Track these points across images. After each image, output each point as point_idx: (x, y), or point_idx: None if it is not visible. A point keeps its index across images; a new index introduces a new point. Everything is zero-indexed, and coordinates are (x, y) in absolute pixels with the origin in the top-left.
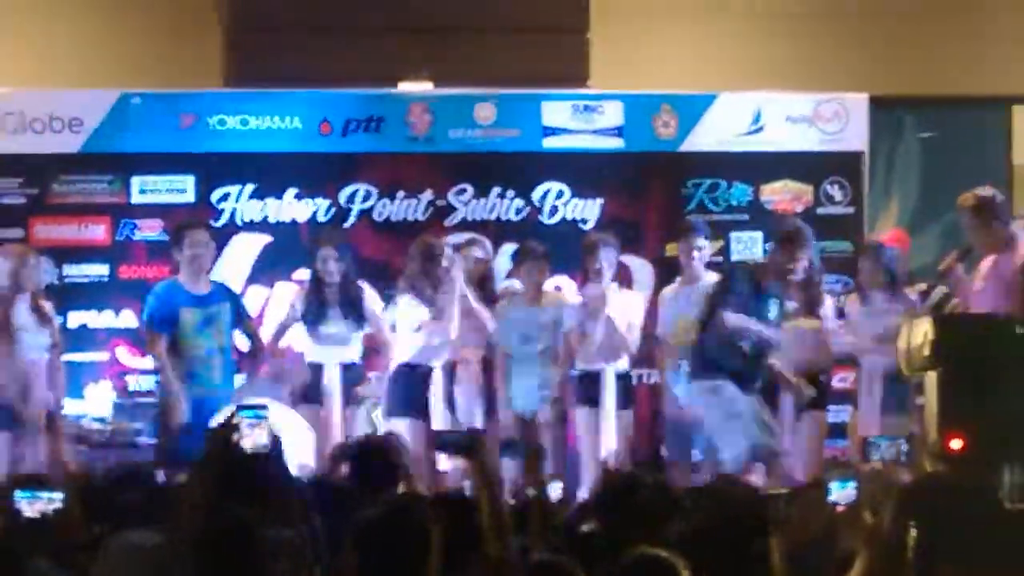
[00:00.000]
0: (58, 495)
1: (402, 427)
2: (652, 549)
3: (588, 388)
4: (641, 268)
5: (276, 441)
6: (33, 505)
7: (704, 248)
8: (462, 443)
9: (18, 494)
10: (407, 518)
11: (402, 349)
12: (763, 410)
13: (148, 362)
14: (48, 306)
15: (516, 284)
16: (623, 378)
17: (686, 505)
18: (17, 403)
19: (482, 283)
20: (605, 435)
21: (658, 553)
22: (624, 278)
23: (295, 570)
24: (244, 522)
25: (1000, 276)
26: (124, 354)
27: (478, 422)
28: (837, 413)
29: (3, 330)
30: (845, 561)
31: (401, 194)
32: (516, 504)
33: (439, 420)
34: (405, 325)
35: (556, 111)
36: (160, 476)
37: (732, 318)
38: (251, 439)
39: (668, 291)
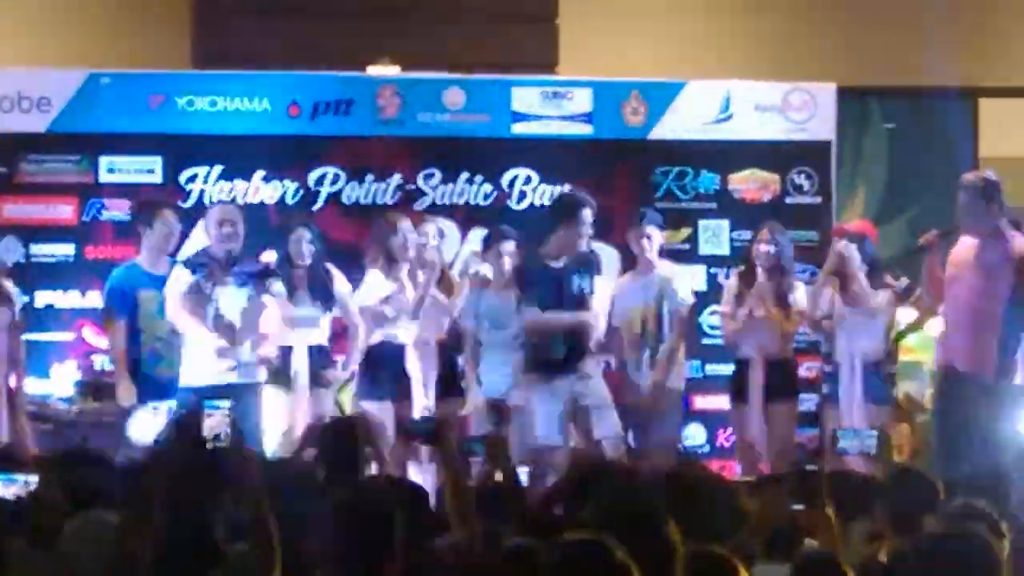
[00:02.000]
0: (34, 477)
1: (373, 409)
2: (593, 533)
3: None
4: (609, 255)
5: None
6: (9, 487)
7: (654, 237)
8: (427, 429)
9: None
10: (370, 502)
11: (369, 328)
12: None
13: None
14: (9, 285)
15: (486, 269)
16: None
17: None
18: None
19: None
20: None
21: (597, 537)
22: None
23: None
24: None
25: (985, 263)
26: (90, 334)
27: (431, 404)
28: (803, 402)
29: None
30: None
31: (370, 177)
32: (484, 489)
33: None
34: (370, 299)
35: (525, 97)
36: (119, 457)
37: (528, 319)
38: (211, 428)
39: (622, 280)
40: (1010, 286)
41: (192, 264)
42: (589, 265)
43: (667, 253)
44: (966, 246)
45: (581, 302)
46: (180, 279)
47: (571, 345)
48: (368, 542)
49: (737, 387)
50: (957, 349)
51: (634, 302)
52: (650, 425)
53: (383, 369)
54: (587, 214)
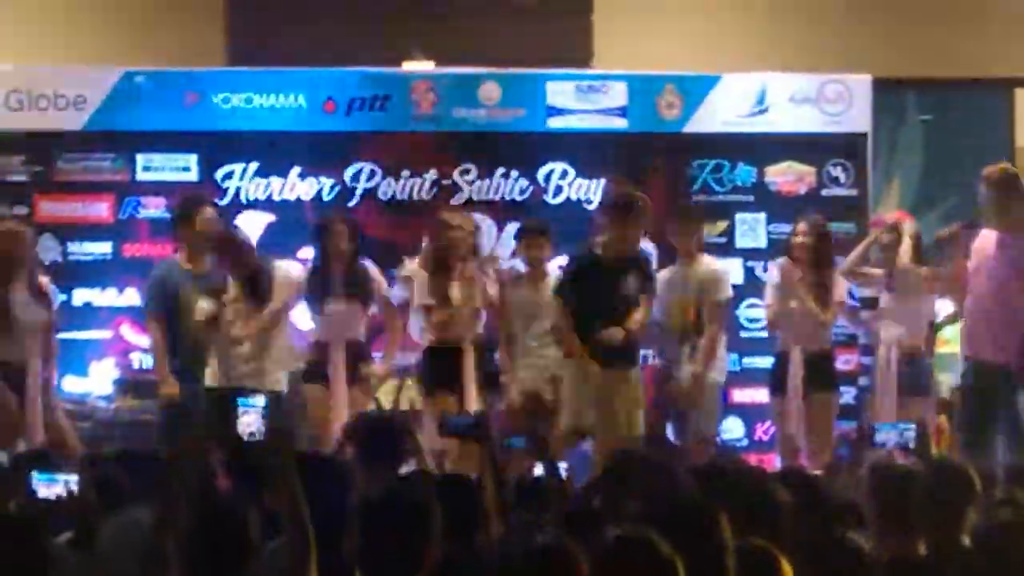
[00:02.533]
0: (74, 477)
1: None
2: (630, 528)
3: None
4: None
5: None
6: (50, 487)
7: (699, 232)
8: (467, 427)
9: (35, 475)
10: (408, 497)
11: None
12: None
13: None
14: (46, 283)
15: (520, 265)
16: None
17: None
18: (16, 381)
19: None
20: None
21: (642, 532)
22: None
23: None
24: (235, 508)
25: (1007, 254)
26: (128, 332)
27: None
28: (842, 394)
29: (2, 308)
30: None
31: (406, 173)
32: (525, 484)
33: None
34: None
35: (560, 91)
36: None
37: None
38: (245, 426)
39: (663, 273)
40: None
41: None
42: (641, 264)
43: (704, 247)
44: (988, 239)
45: (631, 301)
46: None
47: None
48: (401, 537)
49: (776, 380)
50: (982, 340)
51: (674, 295)
52: (689, 418)
53: (440, 365)
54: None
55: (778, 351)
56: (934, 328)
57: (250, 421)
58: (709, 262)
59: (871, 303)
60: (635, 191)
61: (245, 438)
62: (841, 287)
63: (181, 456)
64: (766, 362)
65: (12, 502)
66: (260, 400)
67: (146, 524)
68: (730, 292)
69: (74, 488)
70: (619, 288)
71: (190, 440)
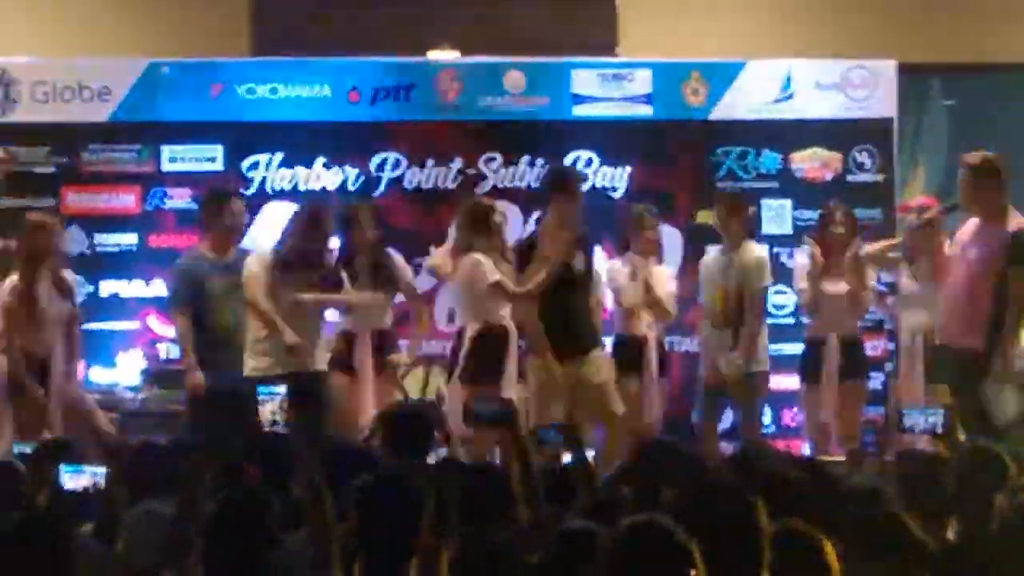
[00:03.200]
0: (101, 469)
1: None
2: (650, 515)
3: (629, 355)
4: (671, 236)
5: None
6: (77, 479)
7: (736, 217)
8: (496, 414)
9: (63, 468)
10: (400, 485)
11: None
12: None
13: None
14: (70, 275)
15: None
16: (659, 345)
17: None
18: (42, 372)
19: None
20: (646, 402)
21: (655, 518)
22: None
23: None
24: (256, 495)
25: (981, 242)
26: (155, 322)
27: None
28: (870, 380)
29: (27, 300)
30: None
31: (431, 162)
32: (554, 474)
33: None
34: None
35: (585, 79)
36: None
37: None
38: (267, 415)
39: (706, 259)
40: (1002, 265)
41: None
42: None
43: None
44: (968, 224)
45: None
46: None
47: (570, 329)
48: (398, 525)
49: (807, 366)
50: (952, 326)
51: (715, 281)
52: (725, 404)
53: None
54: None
55: (809, 337)
56: None
57: (271, 410)
58: (753, 248)
59: (895, 289)
60: (570, 169)
61: (266, 426)
62: (871, 272)
63: (205, 447)
64: (792, 349)
65: (41, 495)
66: (280, 389)
67: (169, 515)
68: (769, 279)
69: (100, 480)
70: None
71: (215, 430)
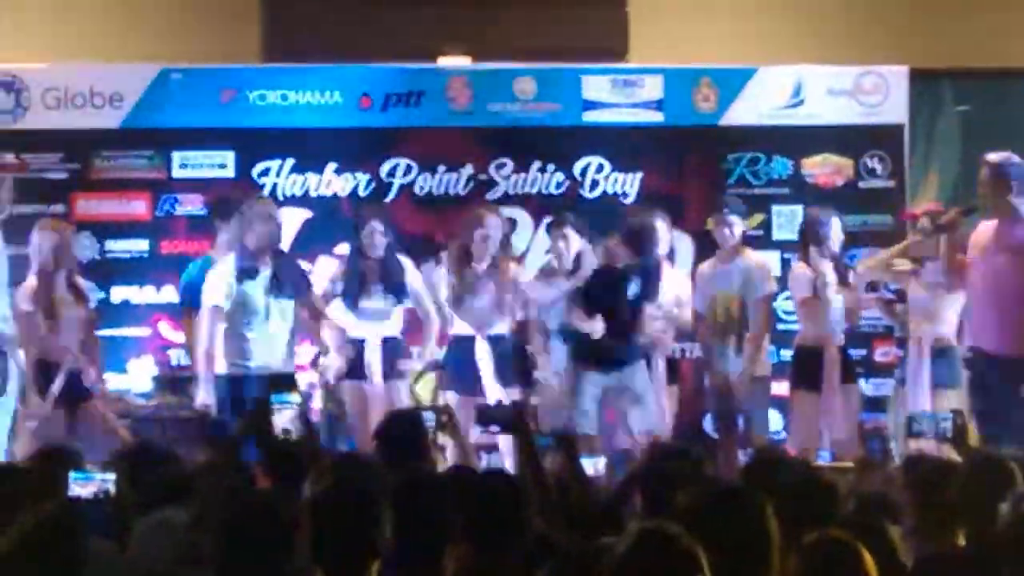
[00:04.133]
0: (110, 476)
1: (453, 401)
2: (659, 522)
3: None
4: (682, 243)
5: (308, 425)
6: (86, 486)
7: (736, 224)
8: (505, 417)
9: (72, 475)
10: (357, 490)
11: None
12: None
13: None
14: (83, 282)
15: (554, 260)
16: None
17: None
18: (64, 378)
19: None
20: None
21: (663, 526)
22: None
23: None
24: (269, 503)
25: (1004, 244)
26: (166, 329)
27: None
28: (878, 387)
29: (45, 306)
30: None
31: (442, 168)
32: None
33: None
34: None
35: (596, 85)
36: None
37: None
38: (282, 423)
39: (704, 267)
40: None
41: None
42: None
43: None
44: (986, 227)
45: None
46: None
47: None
48: (352, 531)
49: (799, 373)
50: (983, 330)
51: (717, 289)
52: (736, 414)
53: (461, 360)
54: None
55: (797, 345)
56: None
57: (285, 418)
58: (752, 256)
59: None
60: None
61: (281, 435)
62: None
63: (218, 453)
64: None
65: (50, 503)
66: (295, 397)
67: (182, 522)
68: (775, 287)
69: (110, 487)
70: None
71: (226, 438)
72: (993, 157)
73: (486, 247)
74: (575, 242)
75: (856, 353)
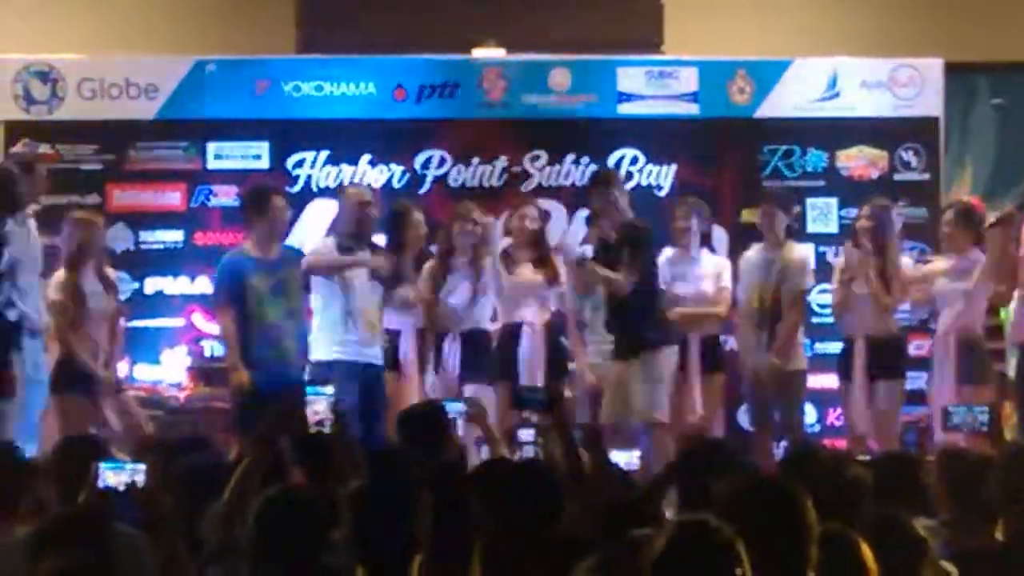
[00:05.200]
0: (141, 466)
1: (471, 392)
2: (699, 514)
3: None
4: (717, 235)
5: (340, 416)
6: (117, 475)
7: (779, 215)
8: (542, 399)
9: (102, 465)
10: (395, 481)
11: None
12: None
13: None
14: (112, 272)
15: (589, 250)
16: (711, 342)
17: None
18: (91, 369)
19: (534, 247)
20: (690, 400)
21: (703, 518)
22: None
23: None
24: (304, 494)
25: None
26: (200, 320)
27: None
28: (914, 380)
29: (74, 297)
30: None
31: (476, 160)
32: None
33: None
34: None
35: (631, 77)
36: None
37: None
38: (313, 415)
39: (748, 255)
40: None
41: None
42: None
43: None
44: None
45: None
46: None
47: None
48: (392, 521)
49: (843, 365)
50: None
51: (754, 279)
52: (770, 405)
53: (478, 352)
54: None
55: (846, 337)
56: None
57: (319, 410)
58: (795, 248)
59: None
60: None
61: (314, 427)
62: (907, 271)
63: (252, 446)
64: (836, 348)
65: (81, 494)
66: (329, 389)
67: (215, 514)
68: (811, 279)
69: (141, 477)
70: None
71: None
72: None
73: (466, 241)
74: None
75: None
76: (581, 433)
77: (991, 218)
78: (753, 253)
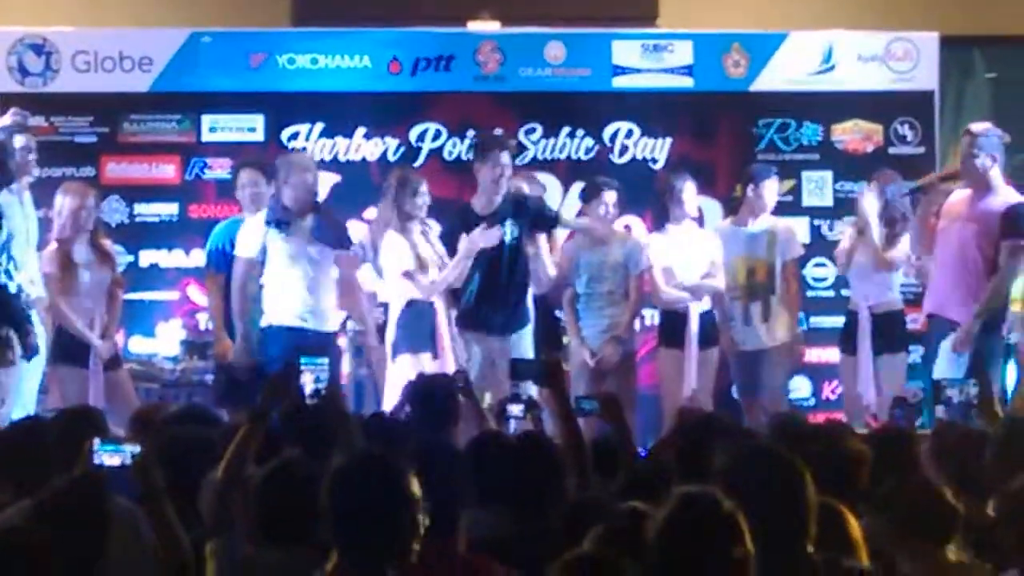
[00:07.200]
0: (136, 448)
1: (408, 363)
2: (697, 486)
3: (673, 327)
4: (711, 208)
5: (335, 387)
6: (114, 457)
7: (768, 188)
8: (539, 370)
9: (99, 446)
10: (379, 466)
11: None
12: None
13: None
14: (108, 244)
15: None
16: (706, 317)
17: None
18: (84, 340)
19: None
20: (688, 375)
21: (704, 490)
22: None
23: None
24: (301, 466)
25: (973, 213)
26: (195, 293)
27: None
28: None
29: (66, 268)
30: None
31: (471, 133)
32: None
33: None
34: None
35: (626, 50)
36: (223, 415)
37: None
38: (309, 386)
39: (722, 227)
40: (994, 237)
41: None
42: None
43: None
44: (960, 196)
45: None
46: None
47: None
48: (375, 507)
49: (845, 338)
50: (947, 299)
51: (737, 252)
52: (758, 377)
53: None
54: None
55: (848, 309)
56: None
57: (313, 380)
58: (774, 220)
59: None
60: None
61: (309, 397)
62: (907, 244)
63: (251, 421)
64: (833, 321)
65: (77, 469)
66: (324, 360)
67: (211, 486)
68: (802, 251)
69: (139, 457)
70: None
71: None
72: (974, 127)
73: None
74: (613, 208)
75: None
76: (599, 403)
77: (918, 184)
78: (727, 226)
